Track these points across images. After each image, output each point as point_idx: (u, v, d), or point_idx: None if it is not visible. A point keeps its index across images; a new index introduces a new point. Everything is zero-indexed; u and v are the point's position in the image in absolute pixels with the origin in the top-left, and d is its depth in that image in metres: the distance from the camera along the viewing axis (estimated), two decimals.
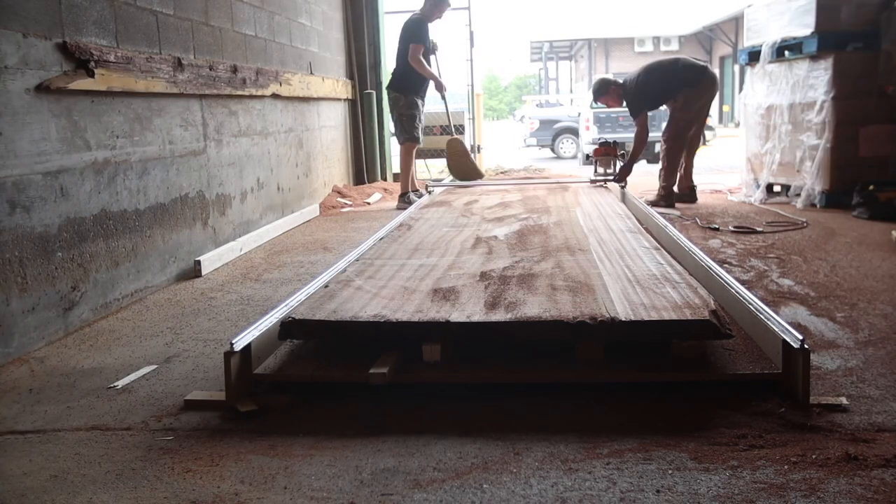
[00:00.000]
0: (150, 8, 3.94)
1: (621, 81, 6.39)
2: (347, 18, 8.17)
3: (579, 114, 16.10)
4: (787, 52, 6.26)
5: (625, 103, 6.36)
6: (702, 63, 6.33)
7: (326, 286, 2.82)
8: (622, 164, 6.27)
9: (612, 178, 6.20)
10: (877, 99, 5.70)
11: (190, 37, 4.40)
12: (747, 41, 7.09)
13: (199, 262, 4.24)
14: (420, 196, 6.57)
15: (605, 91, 6.42)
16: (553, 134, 18.14)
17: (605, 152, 6.30)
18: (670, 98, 6.17)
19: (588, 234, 3.76)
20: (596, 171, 6.40)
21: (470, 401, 2.25)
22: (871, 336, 2.74)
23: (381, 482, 1.80)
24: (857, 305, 3.13)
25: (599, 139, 6.44)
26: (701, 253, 3.43)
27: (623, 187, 6.01)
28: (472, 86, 9.68)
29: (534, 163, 13.11)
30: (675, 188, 6.26)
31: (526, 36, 33.47)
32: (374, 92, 8.38)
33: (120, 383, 2.54)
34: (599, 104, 6.52)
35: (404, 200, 6.74)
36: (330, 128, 7.40)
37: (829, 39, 5.77)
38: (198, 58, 4.47)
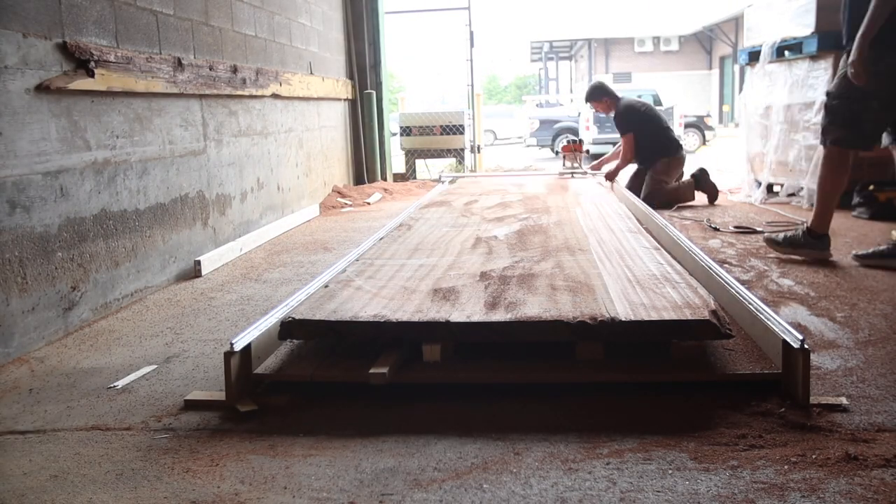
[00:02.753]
0: (150, 8, 3.94)
1: (618, 96, 6.72)
2: (347, 18, 8.17)
3: (579, 114, 16.11)
4: (787, 52, 6.26)
5: (613, 115, 6.75)
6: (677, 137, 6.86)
7: (326, 286, 2.82)
8: (593, 160, 7.13)
9: (578, 171, 7.08)
10: None
11: (190, 37, 4.40)
12: (747, 41, 7.09)
13: (199, 262, 4.24)
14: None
15: (598, 97, 6.73)
16: (553, 134, 18.17)
17: (573, 149, 7.31)
18: (653, 155, 6.44)
19: (588, 234, 3.76)
20: (564, 164, 7.33)
21: (470, 401, 2.25)
22: (871, 336, 2.74)
23: (381, 482, 1.80)
24: (857, 305, 3.13)
25: (572, 139, 7.58)
26: (701, 253, 3.42)
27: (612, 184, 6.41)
28: (472, 86, 9.69)
29: (534, 163, 13.13)
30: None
31: (526, 36, 33.41)
32: (374, 92, 8.38)
33: (120, 383, 2.54)
34: (590, 105, 6.96)
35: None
36: (330, 128, 7.40)
37: (829, 39, 5.75)
38: (198, 58, 4.47)
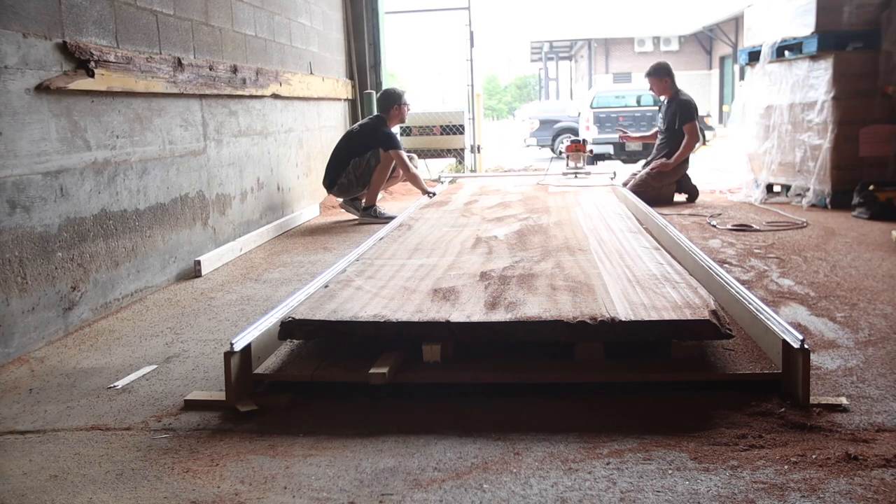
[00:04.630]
0: (150, 8, 3.94)
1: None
2: (347, 18, 8.17)
3: (579, 114, 16.11)
4: (787, 52, 6.26)
5: (667, 103, 6.66)
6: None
7: (326, 286, 2.82)
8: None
9: (581, 171, 6.84)
10: (877, 99, 5.70)
11: (190, 37, 4.40)
12: (747, 41, 7.09)
13: (199, 262, 4.24)
14: (382, 214, 5.95)
15: (663, 75, 6.64)
16: (553, 134, 18.16)
17: (577, 148, 6.88)
18: (669, 148, 6.51)
19: (588, 234, 3.76)
20: (567, 164, 6.84)
21: (470, 401, 2.25)
22: (871, 336, 2.74)
23: (381, 482, 1.80)
24: (857, 305, 3.13)
25: (576, 139, 7.25)
26: (701, 253, 3.43)
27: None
28: (472, 86, 9.68)
29: (534, 163, 13.12)
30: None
31: (526, 36, 33.38)
32: (374, 92, 8.36)
33: (120, 383, 2.54)
34: (649, 80, 6.76)
35: (370, 214, 5.98)
36: (330, 128, 7.40)
37: (829, 39, 5.77)
38: (198, 58, 4.47)
